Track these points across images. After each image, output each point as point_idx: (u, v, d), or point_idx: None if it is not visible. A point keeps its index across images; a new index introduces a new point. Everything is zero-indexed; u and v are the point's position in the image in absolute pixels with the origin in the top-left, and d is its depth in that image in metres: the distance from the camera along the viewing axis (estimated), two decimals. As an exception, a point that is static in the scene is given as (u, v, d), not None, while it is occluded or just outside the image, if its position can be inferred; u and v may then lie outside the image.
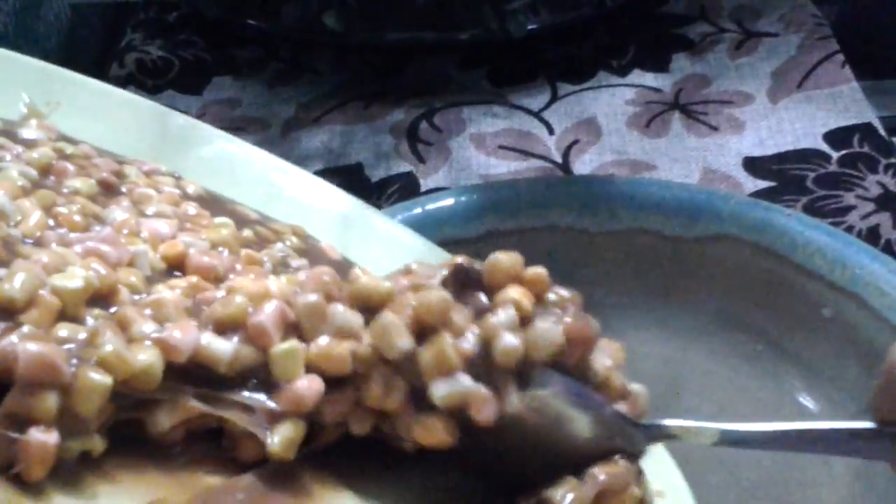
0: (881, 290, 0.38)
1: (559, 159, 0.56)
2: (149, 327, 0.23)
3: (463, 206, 0.43)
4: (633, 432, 0.26)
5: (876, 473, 0.37)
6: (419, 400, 0.24)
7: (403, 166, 0.56)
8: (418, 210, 0.42)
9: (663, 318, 0.43)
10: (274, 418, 0.23)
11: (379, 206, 0.52)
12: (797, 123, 0.56)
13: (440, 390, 0.23)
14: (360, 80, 0.63)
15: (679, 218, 0.42)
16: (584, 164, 0.55)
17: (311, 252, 0.32)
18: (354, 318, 0.24)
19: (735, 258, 0.42)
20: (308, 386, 0.23)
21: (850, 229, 0.49)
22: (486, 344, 0.23)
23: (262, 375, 0.23)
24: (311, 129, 0.59)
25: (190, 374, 0.23)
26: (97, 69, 0.73)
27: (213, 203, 0.32)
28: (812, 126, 0.56)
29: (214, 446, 0.24)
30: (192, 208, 0.30)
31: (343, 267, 0.32)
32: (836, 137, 0.55)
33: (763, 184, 0.53)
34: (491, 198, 0.43)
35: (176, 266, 0.27)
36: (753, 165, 0.54)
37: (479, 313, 0.24)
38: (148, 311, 0.24)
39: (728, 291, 0.42)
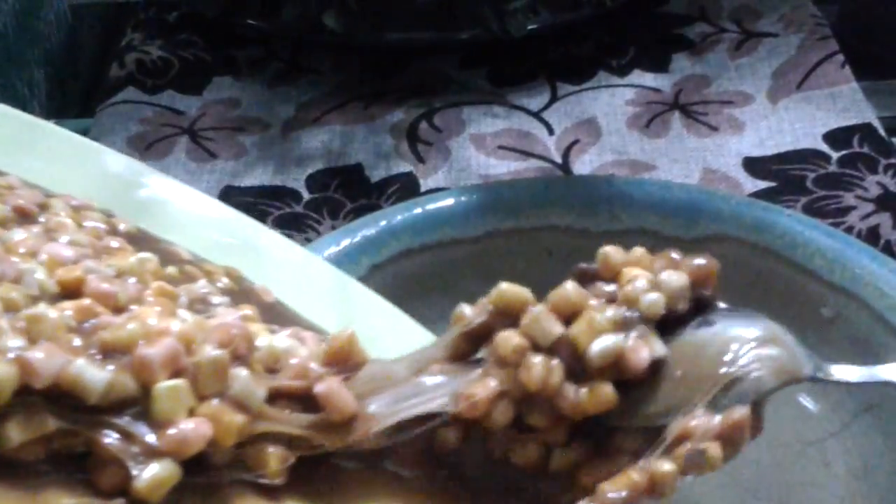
0: (881, 290, 0.38)
1: (559, 159, 0.56)
2: (15, 342, 0.21)
3: (463, 206, 0.43)
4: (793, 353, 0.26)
5: (876, 473, 0.37)
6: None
7: (403, 166, 0.56)
8: (418, 210, 0.42)
9: (663, 318, 0.43)
10: (150, 454, 0.22)
11: (379, 207, 0.52)
12: (797, 124, 0.56)
13: (596, 347, 0.24)
14: (360, 80, 0.63)
15: (679, 218, 0.42)
16: (584, 165, 0.55)
17: (243, 293, 0.31)
18: (257, 392, 0.23)
19: (735, 258, 0.41)
20: (195, 429, 0.22)
21: (850, 229, 0.49)
22: (630, 304, 0.25)
23: (143, 409, 0.22)
24: (311, 129, 0.59)
25: (57, 396, 0.21)
26: (97, 69, 0.73)
27: (142, 241, 0.31)
28: (812, 126, 0.56)
29: (81, 469, 0.22)
30: (115, 242, 0.29)
31: (278, 310, 0.31)
32: (836, 138, 0.55)
33: (763, 184, 0.53)
34: (491, 198, 0.43)
35: (73, 293, 0.25)
36: (753, 166, 0.54)
37: (609, 299, 0.26)
38: (21, 325, 0.22)
39: (728, 291, 0.42)
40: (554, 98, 0.60)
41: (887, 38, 0.64)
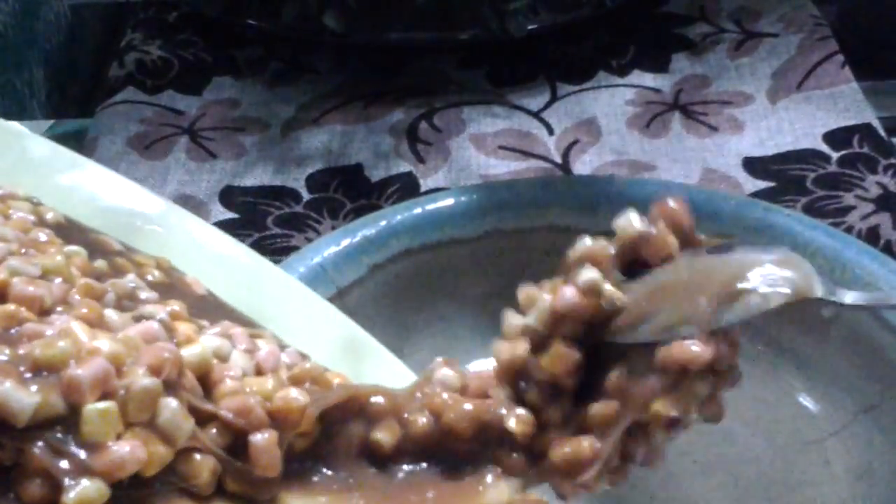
0: (881, 290, 0.38)
1: (559, 159, 0.56)
2: None
3: (463, 206, 0.43)
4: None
5: (876, 473, 0.37)
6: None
7: (403, 166, 0.56)
8: (418, 210, 0.42)
9: (663, 318, 0.43)
10: (82, 471, 0.21)
11: (379, 207, 0.52)
12: (797, 124, 0.56)
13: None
14: (360, 80, 0.63)
15: (679, 218, 0.42)
16: (583, 165, 0.55)
17: (174, 286, 0.30)
18: (184, 426, 0.23)
19: (735, 258, 0.41)
20: (131, 453, 0.21)
21: (849, 229, 0.49)
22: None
23: (71, 427, 0.22)
24: (310, 129, 0.59)
25: None
26: (97, 69, 0.73)
27: (71, 231, 0.30)
28: (812, 126, 0.56)
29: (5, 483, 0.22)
30: (43, 235, 0.28)
31: (208, 302, 0.30)
32: (836, 138, 0.55)
33: (763, 184, 0.53)
34: (491, 198, 0.43)
35: None
36: (753, 166, 0.54)
37: None
38: None
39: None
40: (554, 98, 0.60)
41: (887, 38, 0.64)
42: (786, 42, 0.62)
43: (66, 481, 0.21)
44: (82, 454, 0.21)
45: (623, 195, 0.43)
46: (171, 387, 0.23)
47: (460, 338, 0.43)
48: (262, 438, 0.24)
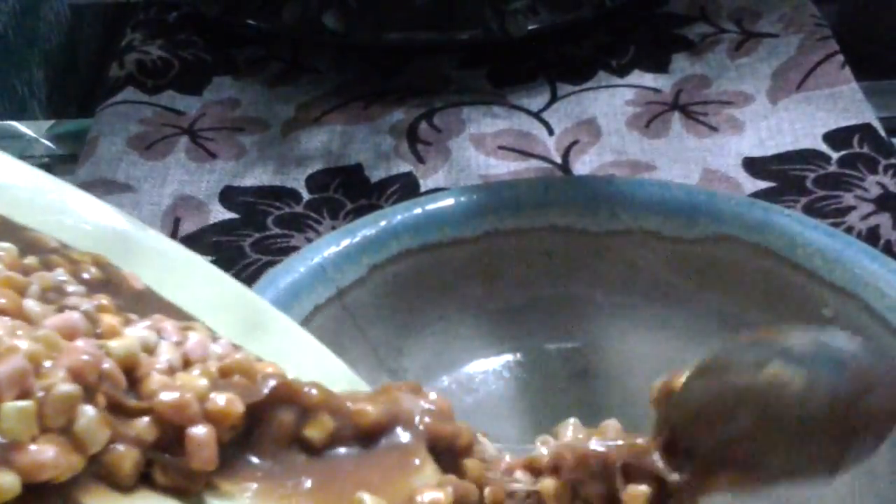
0: (881, 290, 0.38)
1: (559, 160, 0.56)
2: None
3: (463, 206, 0.43)
4: None
5: (876, 473, 0.37)
6: None
7: (403, 166, 0.56)
8: (418, 210, 0.42)
9: (663, 318, 0.43)
10: (1, 460, 0.21)
11: (379, 207, 0.52)
12: (797, 124, 0.56)
13: None
14: (360, 80, 0.63)
15: (679, 218, 0.42)
16: (583, 165, 0.55)
17: (110, 281, 0.29)
18: (100, 435, 0.22)
19: (735, 258, 0.41)
20: (54, 459, 0.21)
21: (849, 230, 0.49)
22: None
23: None
24: (311, 129, 0.59)
25: None
26: (97, 69, 0.73)
27: (3, 228, 0.29)
28: (812, 127, 0.56)
29: None
30: None
31: (146, 296, 0.30)
32: (836, 138, 0.55)
33: (763, 184, 0.53)
34: (491, 198, 0.43)
35: None
36: (753, 166, 0.54)
37: None
38: None
39: (728, 292, 0.42)
40: (554, 98, 0.60)
41: (887, 38, 0.64)
42: (786, 42, 0.62)
43: None
44: (1, 444, 0.21)
45: (623, 195, 0.43)
46: (90, 392, 0.22)
47: (460, 338, 0.43)
48: (201, 433, 0.23)
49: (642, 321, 0.43)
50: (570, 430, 0.29)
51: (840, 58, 0.60)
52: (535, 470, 0.27)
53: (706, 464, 0.24)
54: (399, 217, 0.42)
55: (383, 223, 0.42)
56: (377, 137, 0.58)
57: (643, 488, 0.25)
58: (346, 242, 0.41)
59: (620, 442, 0.26)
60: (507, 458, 0.27)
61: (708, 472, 0.24)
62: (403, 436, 0.26)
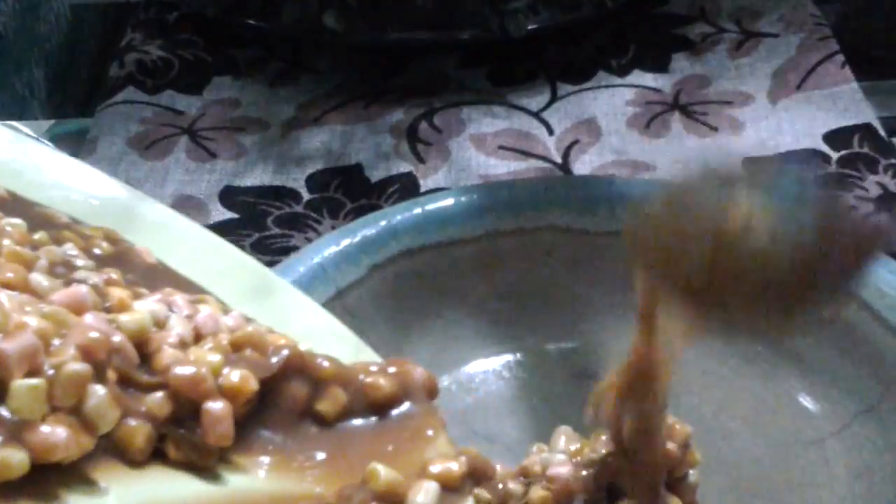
0: (881, 290, 0.38)
1: (559, 159, 0.56)
2: None
3: (463, 206, 0.43)
4: None
5: (876, 473, 0.37)
6: None
7: (403, 166, 0.56)
8: (418, 210, 0.42)
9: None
10: (9, 437, 0.20)
11: (379, 207, 0.52)
12: (797, 124, 0.56)
13: None
14: (360, 80, 0.63)
15: (679, 218, 0.42)
16: (584, 165, 0.55)
17: (121, 256, 0.29)
18: (109, 415, 0.22)
19: (735, 258, 0.41)
20: (66, 441, 0.20)
21: (850, 229, 0.49)
22: None
23: None
24: (311, 129, 0.59)
25: None
26: (97, 69, 0.73)
27: (14, 205, 0.29)
28: (812, 126, 0.56)
29: None
30: None
31: (158, 271, 0.29)
32: (836, 138, 0.55)
33: (763, 184, 0.53)
34: (491, 198, 0.43)
35: None
36: (753, 166, 0.54)
37: None
38: None
39: (728, 291, 0.42)
40: (554, 98, 0.60)
41: (887, 38, 0.64)
42: (786, 42, 0.62)
43: None
44: (10, 421, 0.20)
45: (623, 195, 0.43)
46: (100, 369, 0.22)
47: (460, 338, 0.43)
48: (217, 408, 0.23)
49: (642, 321, 0.43)
50: (563, 440, 0.29)
51: (840, 58, 0.60)
52: (527, 477, 0.27)
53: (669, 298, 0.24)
54: (399, 217, 0.42)
55: (383, 223, 0.42)
56: (377, 137, 0.58)
57: None
58: (346, 242, 0.41)
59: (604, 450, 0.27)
60: (498, 467, 0.27)
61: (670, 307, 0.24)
62: (415, 407, 0.26)
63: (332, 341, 0.30)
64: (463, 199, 0.43)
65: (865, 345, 0.38)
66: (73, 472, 0.21)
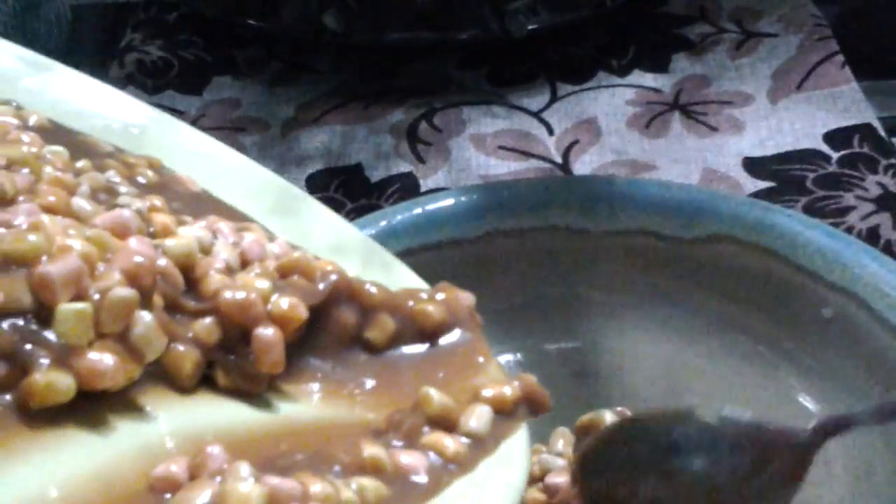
0: (881, 290, 0.38)
1: (559, 160, 0.56)
2: None
3: (463, 206, 0.43)
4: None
5: (876, 473, 0.37)
6: None
7: (403, 166, 0.56)
8: (418, 210, 0.42)
9: (663, 319, 0.43)
10: (57, 363, 0.20)
11: (379, 207, 0.52)
12: (797, 124, 0.56)
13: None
14: (360, 80, 0.63)
15: (679, 218, 0.42)
16: (584, 165, 0.55)
17: (166, 185, 0.29)
18: (157, 342, 0.21)
19: (735, 258, 0.41)
20: (114, 369, 0.20)
21: (850, 230, 0.49)
22: None
23: (44, 325, 0.20)
24: (310, 129, 0.59)
25: None
26: (97, 69, 0.73)
27: (56, 134, 0.29)
28: (812, 126, 0.56)
29: None
30: (26, 137, 0.27)
31: (202, 199, 0.29)
32: (836, 138, 0.55)
33: (763, 184, 0.53)
34: (491, 198, 0.43)
35: None
36: (753, 166, 0.54)
37: None
38: None
39: (728, 292, 0.42)
40: (554, 98, 0.60)
41: (887, 38, 0.64)
42: (786, 42, 0.62)
43: (35, 361, 0.19)
44: (58, 345, 0.20)
45: (623, 195, 0.43)
46: (146, 294, 0.21)
47: (460, 338, 0.43)
48: (268, 333, 0.22)
49: (642, 321, 0.43)
50: (561, 442, 0.29)
51: (840, 58, 0.60)
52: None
53: None
54: (399, 217, 0.42)
55: (383, 223, 0.42)
56: (377, 137, 0.58)
57: None
58: (346, 242, 0.41)
59: None
60: None
61: None
62: (465, 334, 0.25)
63: (357, 254, 0.29)
64: (463, 199, 0.43)
65: (865, 345, 0.38)
66: (121, 398, 0.21)
